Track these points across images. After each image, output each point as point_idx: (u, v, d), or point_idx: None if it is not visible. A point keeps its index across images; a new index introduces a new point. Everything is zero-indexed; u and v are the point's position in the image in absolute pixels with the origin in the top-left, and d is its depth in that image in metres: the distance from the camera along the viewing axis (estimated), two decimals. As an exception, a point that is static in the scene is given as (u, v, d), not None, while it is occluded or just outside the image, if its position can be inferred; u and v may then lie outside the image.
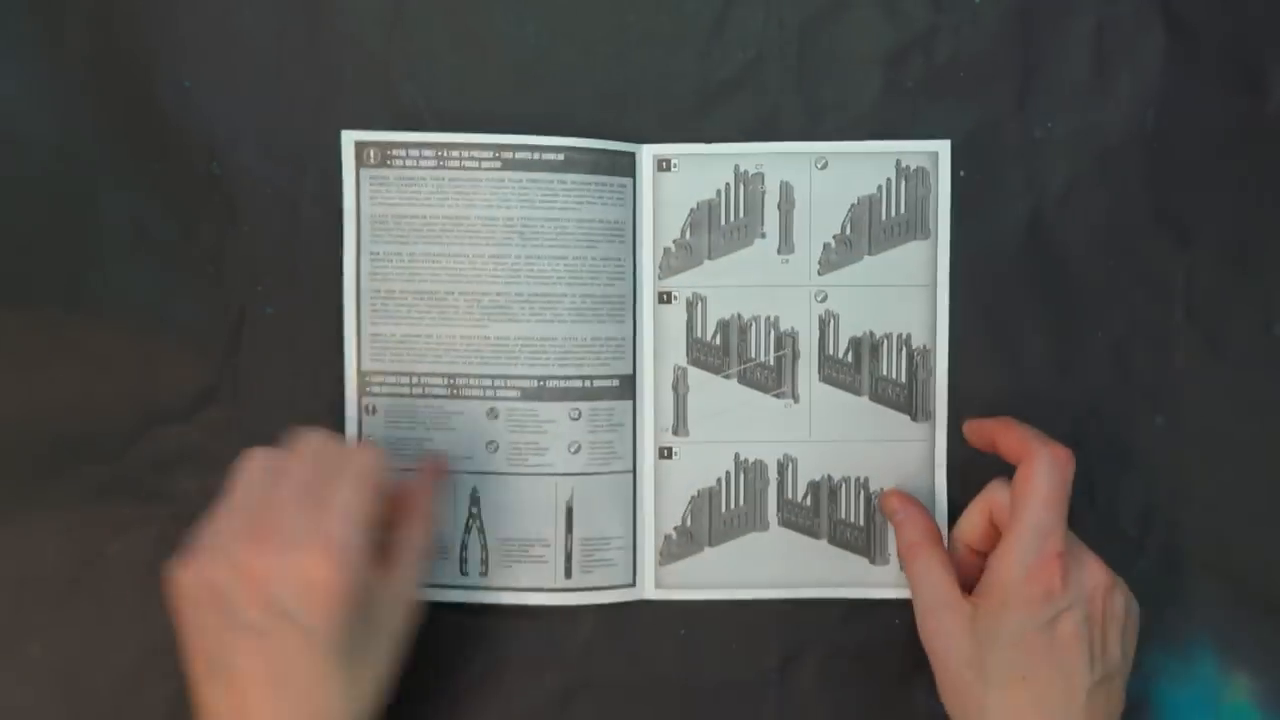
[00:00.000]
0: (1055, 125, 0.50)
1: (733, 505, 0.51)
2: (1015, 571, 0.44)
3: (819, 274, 0.51)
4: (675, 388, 0.51)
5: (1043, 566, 0.43)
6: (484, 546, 0.51)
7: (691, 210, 0.50)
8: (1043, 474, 0.44)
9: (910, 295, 0.50)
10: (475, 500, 0.51)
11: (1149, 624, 0.49)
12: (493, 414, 0.50)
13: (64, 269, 0.50)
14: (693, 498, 0.51)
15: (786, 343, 0.51)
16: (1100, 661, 0.44)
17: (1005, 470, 0.50)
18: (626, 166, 0.50)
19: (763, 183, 0.50)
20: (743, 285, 0.51)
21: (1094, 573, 0.45)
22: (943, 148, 0.50)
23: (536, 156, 0.50)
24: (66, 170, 0.50)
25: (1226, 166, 0.50)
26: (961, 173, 0.50)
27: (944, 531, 0.50)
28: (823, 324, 0.51)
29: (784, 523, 0.51)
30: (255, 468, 0.44)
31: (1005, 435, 0.47)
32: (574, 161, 0.50)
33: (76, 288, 0.50)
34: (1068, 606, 0.43)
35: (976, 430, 0.49)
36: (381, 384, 0.50)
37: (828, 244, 0.50)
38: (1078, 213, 0.50)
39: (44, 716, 0.50)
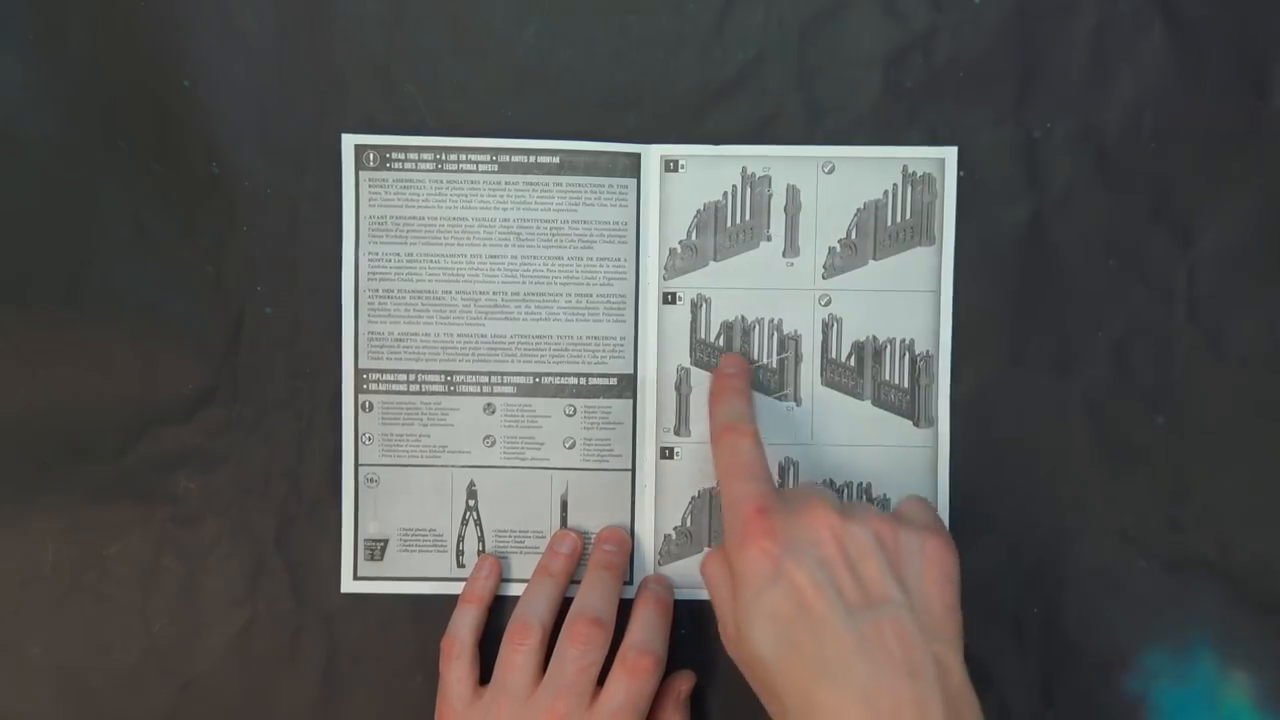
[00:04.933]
0: (1055, 125, 0.50)
1: (733, 506, 0.51)
2: (730, 549, 0.43)
3: (823, 278, 0.51)
4: (678, 388, 0.51)
5: (745, 531, 0.42)
6: (480, 539, 0.51)
7: (698, 211, 0.50)
8: (718, 451, 0.46)
9: (914, 301, 0.50)
10: (472, 493, 0.51)
11: (1149, 623, 0.50)
12: (489, 409, 0.51)
13: (64, 269, 0.50)
14: (693, 498, 0.51)
15: (789, 346, 0.51)
16: (859, 598, 0.41)
17: (1008, 478, 0.51)
18: (629, 167, 0.50)
19: (769, 185, 0.50)
20: (747, 287, 0.51)
21: (814, 515, 0.42)
22: (949, 154, 0.50)
23: (532, 160, 0.50)
24: (66, 170, 0.50)
25: (1227, 166, 0.50)
26: (961, 173, 0.50)
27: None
28: (826, 328, 0.51)
29: (784, 524, 0.51)
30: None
31: (711, 404, 0.49)
32: (570, 164, 0.50)
33: (76, 288, 0.50)
34: (792, 557, 0.41)
35: (713, 380, 0.50)
36: (379, 381, 0.51)
37: (833, 248, 0.50)
38: (1078, 213, 0.50)
39: (44, 716, 0.50)
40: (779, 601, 0.41)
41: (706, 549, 0.51)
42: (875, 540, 0.42)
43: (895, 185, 0.50)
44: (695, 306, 0.51)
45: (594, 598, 0.48)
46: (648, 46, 0.50)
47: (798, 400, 0.51)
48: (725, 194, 0.50)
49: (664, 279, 0.51)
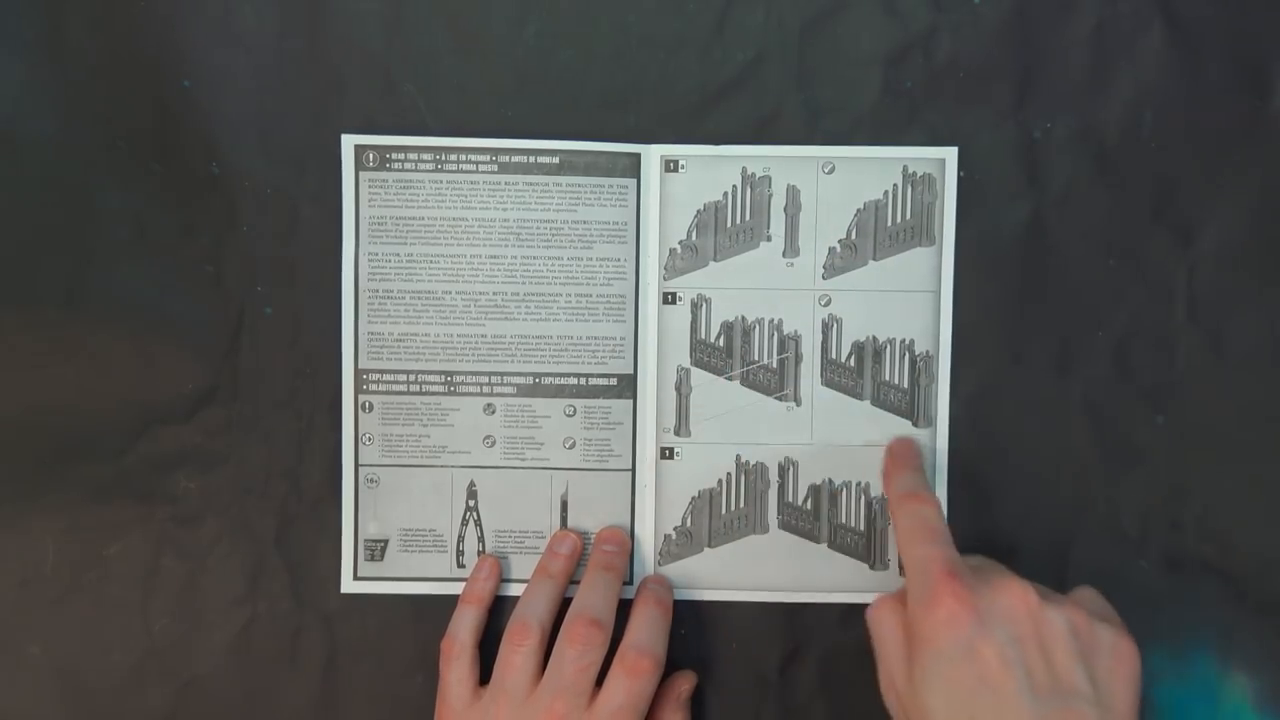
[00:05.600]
0: (1055, 125, 0.50)
1: (733, 507, 0.51)
2: (915, 609, 0.42)
3: (823, 278, 0.51)
4: (678, 388, 0.51)
5: (934, 592, 0.41)
6: (480, 539, 0.51)
7: (698, 212, 0.50)
8: (900, 517, 0.45)
9: (914, 301, 0.50)
10: (472, 493, 0.51)
11: (1149, 623, 0.49)
12: (489, 410, 0.51)
13: (64, 269, 0.50)
14: (693, 498, 0.51)
15: (789, 346, 0.51)
16: (1048, 684, 0.40)
17: (1008, 478, 0.51)
18: (629, 167, 0.50)
19: (769, 185, 0.50)
20: (747, 288, 0.51)
21: (1011, 591, 0.42)
22: (950, 154, 0.50)
23: (532, 160, 0.50)
24: (66, 170, 0.50)
25: (1227, 166, 0.50)
26: (961, 173, 0.50)
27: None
28: (826, 328, 0.51)
29: (784, 525, 0.51)
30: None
31: (886, 480, 0.49)
32: (570, 164, 0.50)
33: (76, 288, 0.50)
34: (983, 628, 0.40)
35: (886, 461, 0.50)
36: (379, 381, 0.50)
37: (833, 248, 0.50)
38: (1078, 213, 0.50)
39: (44, 716, 0.51)
40: (964, 670, 0.40)
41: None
42: (1070, 628, 0.41)
43: (895, 185, 0.50)
44: (695, 306, 0.51)
45: (593, 598, 0.48)
46: (648, 46, 0.50)
47: (798, 400, 0.51)
48: (725, 194, 0.50)
49: (664, 279, 0.51)
